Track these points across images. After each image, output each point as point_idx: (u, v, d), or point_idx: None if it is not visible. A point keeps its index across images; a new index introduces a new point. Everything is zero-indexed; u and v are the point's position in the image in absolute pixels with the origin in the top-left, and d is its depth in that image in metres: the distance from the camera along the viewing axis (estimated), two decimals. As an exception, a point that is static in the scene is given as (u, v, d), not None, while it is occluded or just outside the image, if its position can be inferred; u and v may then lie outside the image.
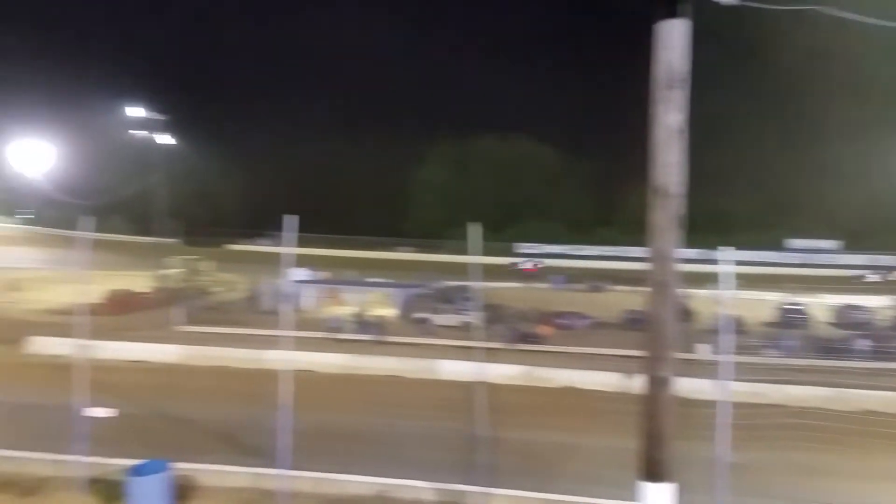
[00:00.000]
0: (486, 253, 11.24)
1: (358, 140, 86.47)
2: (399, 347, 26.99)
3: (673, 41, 6.10)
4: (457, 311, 32.08)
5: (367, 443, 14.74)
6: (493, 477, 11.69)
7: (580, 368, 23.10)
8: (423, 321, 30.76)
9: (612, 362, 24.13)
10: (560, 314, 33.53)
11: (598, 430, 16.66)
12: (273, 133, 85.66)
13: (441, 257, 68.06)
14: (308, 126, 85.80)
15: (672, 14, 6.06)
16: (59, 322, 29.05)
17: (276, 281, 37.38)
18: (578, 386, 22.01)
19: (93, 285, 20.91)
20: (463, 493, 11.68)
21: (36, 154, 71.04)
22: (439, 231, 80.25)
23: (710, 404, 9.65)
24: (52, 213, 70.47)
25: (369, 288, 39.99)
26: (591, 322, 33.36)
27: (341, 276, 45.74)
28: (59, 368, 21.48)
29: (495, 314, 31.17)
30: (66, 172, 69.83)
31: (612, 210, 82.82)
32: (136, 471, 10.88)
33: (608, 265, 65.60)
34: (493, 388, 14.74)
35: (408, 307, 35.32)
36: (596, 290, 50.30)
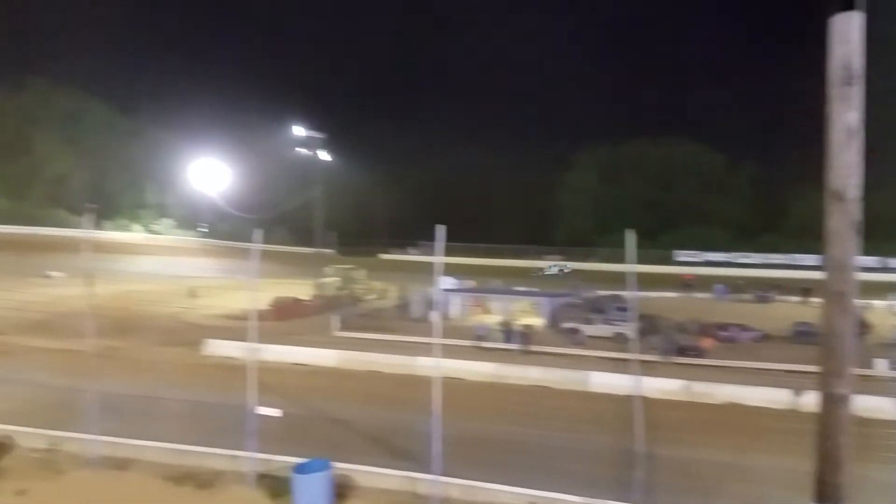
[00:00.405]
0: (640, 261, 10.80)
1: (507, 147, 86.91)
2: (547, 357, 26.65)
3: (849, 35, 5.62)
4: (609, 322, 31.24)
5: (516, 453, 14.63)
6: (651, 495, 11.20)
7: (744, 384, 21.66)
8: (572, 331, 30.20)
9: (779, 378, 22.47)
10: (722, 326, 31.67)
11: (763, 449, 15.53)
12: (422, 144, 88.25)
13: (591, 265, 66.86)
14: (456, 136, 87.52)
15: (848, 6, 5.58)
16: (231, 326, 31.54)
17: (425, 289, 38.39)
18: (742, 402, 20.64)
19: (260, 293, 22.42)
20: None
21: (212, 173, 77.93)
22: (589, 239, 78.89)
23: (889, 424, 8.68)
24: (225, 226, 76.60)
25: (516, 297, 39.92)
26: (756, 335, 31.24)
27: (488, 284, 46.05)
28: (231, 369, 23.31)
29: (651, 325, 30.00)
30: (237, 189, 75.98)
31: (777, 215, 77.51)
32: (301, 468, 11.48)
33: (773, 273, 61.25)
34: (648, 403, 14.14)
35: (556, 317, 34.87)
36: (761, 300, 47.09)
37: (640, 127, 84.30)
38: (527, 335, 28.83)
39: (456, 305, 37.55)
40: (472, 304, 38.81)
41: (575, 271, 64.98)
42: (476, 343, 28.65)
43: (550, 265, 71.42)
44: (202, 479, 12.40)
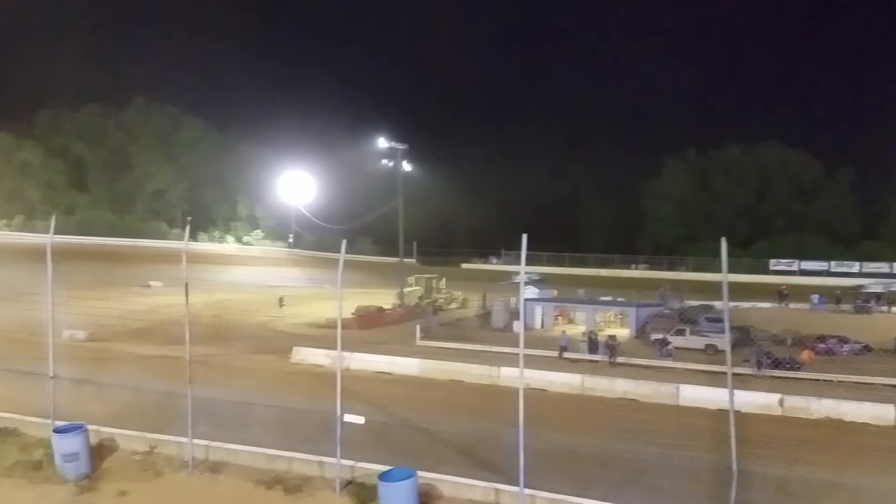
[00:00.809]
0: (732, 270, 10.32)
1: (592, 154, 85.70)
2: (634, 370, 25.96)
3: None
4: (700, 333, 30.18)
5: (604, 467, 14.25)
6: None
7: (844, 398, 20.44)
8: (661, 343, 29.31)
9: (882, 392, 21.12)
10: (821, 338, 30.02)
11: (865, 468, 14.60)
12: (505, 152, 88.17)
13: (680, 275, 64.86)
14: (540, 143, 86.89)
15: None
16: (317, 334, 32.30)
17: (507, 299, 38.17)
18: (842, 418, 19.48)
19: (345, 302, 22.81)
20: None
21: (299, 185, 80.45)
22: (677, 247, 76.61)
23: None
24: (312, 236, 78.73)
25: (602, 307, 39.14)
26: (856, 347, 29.44)
27: (572, 294, 45.36)
28: (318, 376, 23.85)
29: (744, 337, 28.77)
30: (323, 200, 78.13)
31: (878, 222, 73.15)
32: (385, 476, 11.58)
33: (874, 282, 57.61)
34: (742, 418, 13.53)
35: (644, 327, 33.96)
36: (861, 310, 44.39)
37: (731, 132, 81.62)
38: (612, 346, 28.18)
39: (540, 315, 37.13)
40: (555, 313, 38.31)
41: (661, 281, 63.14)
42: (560, 354, 28.23)
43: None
44: (291, 484, 12.67)
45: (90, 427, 13.51)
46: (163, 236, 73.35)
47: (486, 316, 39.40)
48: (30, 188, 75.37)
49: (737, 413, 11.29)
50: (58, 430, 13.10)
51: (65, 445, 12.88)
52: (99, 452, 13.61)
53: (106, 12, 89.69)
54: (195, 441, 13.45)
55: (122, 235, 70.00)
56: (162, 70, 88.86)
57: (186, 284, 13.59)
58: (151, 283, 47.20)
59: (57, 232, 15.12)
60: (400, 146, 46.91)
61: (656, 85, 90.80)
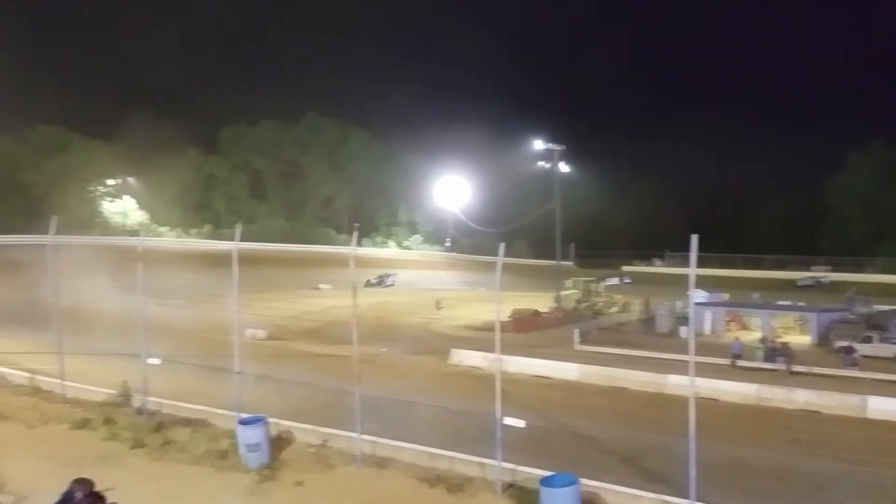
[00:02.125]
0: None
1: (764, 149, 79.98)
2: (815, 379, 23.85)
3: None
4: (889, 341, 27.22)
5: (781, 482, 13.17)
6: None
7: None
8: (845, 350, 26.69)
9: None
10: None
11: None
12: (666, 149, 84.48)
13: (866, 277, 58.94)
14: (706, 138, 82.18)
15: None
16: (474, 337, 32.68)
17: (672, 303, 36.50)
18: None
19: (501, 305, 22.84)
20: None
21: (456, 190, 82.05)
22: (863, 247, 69.64)
23: None
24: (468, 240, 79.94)
25: (778, 311, 36.36)
26: None
27: (745, 298, 42.53)
28: (476, 378, 24.08)
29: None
30: (479, 204, 79.07)
31: None
32: (547, 482, 11.39)
33: None
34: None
35: (825, 334, 31.12)
36: None
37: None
38: (790, 354, 26.08)
39: (708, 320, 35.15)
40: (726, 318, 36.11)
41: (838, 283, 57.49)
42: (732, 361, 26.56)
43: (807, 276, 63.85)
44: (453, 484, 12.82)
45: (270, 420, 14.49)
46: (330, 242, 77.68)
47: (649, 320, 37.94)
48: (216, 199, 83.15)
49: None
50: (242, 422, 14.17)
51: (248, 436, 13.90)
52: (277, 444, 14.55)
53: (278, 36, 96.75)
54: (363, 436, 14.01)
55: (294, 242, 74.97)
56: (330, 85, 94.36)
57: (354, 287, 14.22)
58: (321, 285, 50.04)
59: (240, 239, 16.38)
60: (557, 147, 46.42)
61: (835, 73, 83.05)
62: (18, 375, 18.69)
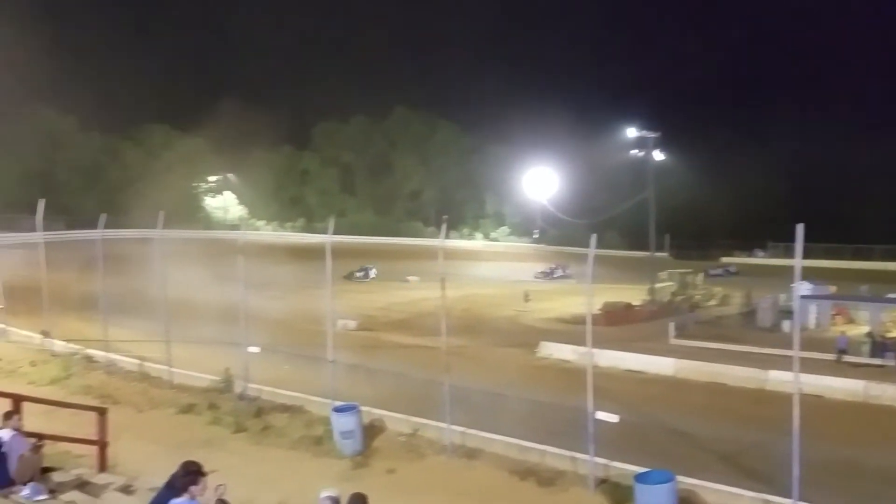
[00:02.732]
0: None
1: (875, 132, 74.80)
2: (933, 377, 22.23)
3: None
4: None
5: (891, 484, 12.31)
6: None
7: None
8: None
9: None
10: None
11: None
12: (767, 135, 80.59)
13: None
14: (809, 122, 77.65)
15: None
16: (563, 330, 32.26)
17: (774, 295, 34.84)
18: None
19: (592, 297, 22.41)
20: None
21: (544, 180, 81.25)
22: None
23: None
24: (557, 231, 78.97)
25: (887, 305, 34.10)
26: None
27: (852, 291, 40.10)
28: (565, 372, 23.77)
29: None
30: (568, 194, 77.96)
31: None
32: (643, 478, 11.12)
33: None
34: None
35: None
36: None
37: None
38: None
39: (814, 314, 33.35)
40: (832, 312, 34.16)
41: None
42: (838, 357, 25.15)
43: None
44: (544, 477, 12.71)
45: (362, 408, 14.82)
46: (418, 235, 78.59)
47: (750, 314, 36.39)
48: (309, 194, 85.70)
49: None
50: (336, 410, 14.56)
51: (342, 423, 14.27)
52: (370, 432, 14.85)
53: (368, 32, 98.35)
54: (453, 427, 14.11)
55: (383, 235, 76.30)
56: (419, 79, 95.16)
57: (443, 279, 14.32)
58: (409, 277, 50.71)
59: (328, 233, 16.79)
60: (651, 134, 45.07)
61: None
62: (129, 362, 19.87)
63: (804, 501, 10.42)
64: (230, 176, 79.73)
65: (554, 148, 77.46)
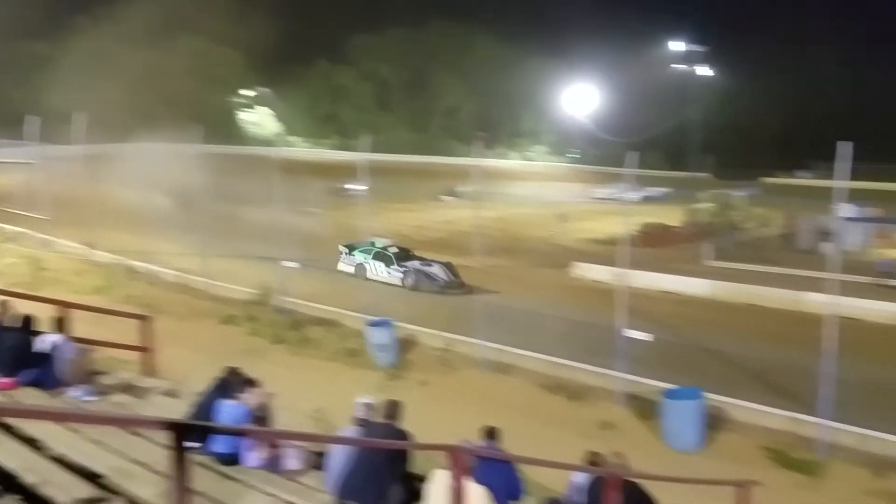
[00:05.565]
0: None
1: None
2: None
3: None
4: None
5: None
6: None
7: None
8: None
9: None
10: None
11: None
12: (814, 52, 76.60)
13: None
14: (864, 37, 73.50)
15: None
16: (599, 251, 32.08)
17: (817, 217, 34.00)
18: None
19: (630, 218, 22.14)
20: None
21: (584, 97, 78.99)
22: None
23: None
24: (597, 151, 77.41)
25: (935, 228, 33.13)
26: None
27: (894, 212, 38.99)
28: (600, 292, 23.65)
29: None
30: (609, 112, 75.77)
31: None
32: (671, 394, 11.30)
33: None
34: None
35: None
36: None
37: None
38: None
39: (855, 236, 32.56)
40: (875, 234, 33.33)
41: None
42: (880, 280, 24.68)
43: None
44: (573, 391, 13.00)
45: (397, 323, 15.14)
46: (454, 153, 77.76)
47: (790, 236, 35.74)
48: (343, 110, 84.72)
49: None
50: (371, 324, 14.92)
51: (377, 337, 14.66)
52: (404, 346, 15.24)
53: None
54: (486, 343, 14.38)
55: (419, 153, 75.68)
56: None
57: (475, 198, 14.25)
58: (444, 197, 50.57)
59: (365, 151, 16.75)
60: (697, 48, 43.26)
61: None
62: (170, 274, 20.46)
63: (831, 420, 10.51)
64: (264, 90, 79.19)
65: (596, 62, 74.69)
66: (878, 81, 70.93)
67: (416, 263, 22.42)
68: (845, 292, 11.81)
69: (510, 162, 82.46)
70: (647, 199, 51.02)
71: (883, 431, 10.74)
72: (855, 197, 36.87)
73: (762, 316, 21.02)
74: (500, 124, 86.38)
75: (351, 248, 24.01)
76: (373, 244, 23.52)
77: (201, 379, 7.74)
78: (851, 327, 11.53)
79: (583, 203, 53.91)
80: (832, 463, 10.38)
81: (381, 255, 23.12)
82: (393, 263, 22.63)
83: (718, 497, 6.45)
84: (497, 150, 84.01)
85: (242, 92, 79.51)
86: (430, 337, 15.91)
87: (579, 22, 74.35)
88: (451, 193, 49.43)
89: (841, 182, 10.77)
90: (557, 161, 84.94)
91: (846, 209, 34.38)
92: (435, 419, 6.99)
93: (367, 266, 23.16)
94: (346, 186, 39.83)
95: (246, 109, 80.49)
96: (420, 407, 7.27)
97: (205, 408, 7.01)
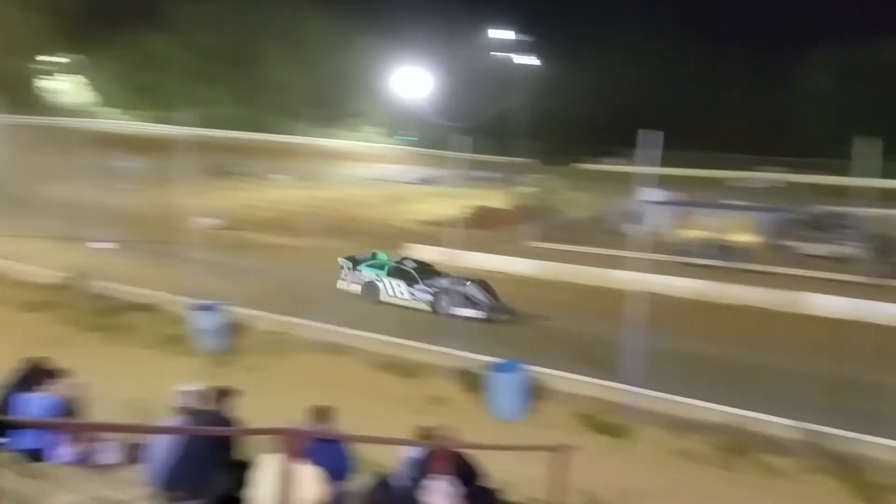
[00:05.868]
0: (887, 175, 9.41)
1: (723, 48, 78.86)
2: (759, 277, 24.81)
3: None
4: (833, 241, 28.37)
5: (722, 372, 13.81)
6: (868, 424, 10.34)
7: None
8: (789, 249, 27.78)
9: None
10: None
11: None
12: (629, 46, 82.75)
13: (819, 179, 60.08)
14: (667, 36, 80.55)
15: None
16: (431, 232, 32.79)
17: (625, 201, 37.05)
18: None
19: (460, 201, 22.93)
20: (827, 435, 10.52)
21: (416, 80, 79.78)
22: (823, 150, 70.53)
23: None
24: (428, 133, 78.64)
25: (728, 211, 37.34)
26: None
27: (697, 196, 43.44)
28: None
29: (886, 246, 26.67)
30: (440, 96, 77.20)
31: None
32: (496, 367, 11.95)
33: None
34: (879, 331, 12.74)
35: (773, 233, 32.25)
36: None
37: (890, 24, 72.35)
38: (737, 252, 27.02)
39: (660, 218, 35.93)
40: (678, 217, 37.00)
41: (797, 185, 58.75)
42: (681, 258, 27.41)
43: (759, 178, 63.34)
44: (407, 369, 13.34)
45: (226, 307, 14.58)
46: (284, 131, 75.54)
47: (602, 219, 38.66)
48: (162, 80, 78.88)
49: (872, 325, 10.66)
50: (197, 308, 14.24)
51: (203, 322, 14.03)
52: (234, 331, 14.72)
53: None
54: (319, 325, 14.31)
55: (246, 129, 72.69)
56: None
57: (306, 178, 14.02)
58: (273, 175, 49.17)
59: (187, 125, 15.88)
60: (525, 38, 45.22)
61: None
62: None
63: (638, 387, 11.62)
64: (78, 57, 72.11)
65: (428, 47, 75.87)
66: (692, 73, 78.05)
67: (444, 282, 18.94)
68: (651, 270, 12.94)
69: (343, 142, 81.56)
70: (426, 181, 53.37)
71: (684, 396, 11.97)
72: (665, 183, 40.72)
73: (577, 292, 22.65)
74: (332, 103, 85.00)
75: (355, 263, 20.05)
76: (375, 255, 20.45)
77: (2, 373, 7.04)
78: (658, 302, 12.70)
79: (416, 185, 54.77)
80: (640, 426, 11.43)
81: (399, 272, 19.47)
82: (417, 282, 18.97)
83: (538, 461, 6.92)
84: (329, 129, 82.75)
85: (47, 59, 71.73)
86: (262, 320, 15.51)
87: (414, 5, 75.06)
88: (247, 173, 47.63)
89: (643, 168, 11.84)
90: (391, 143, 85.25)
91: (651, 193, 38.00)
92: (266, 404, 6.86)
93: (379, 285, 19.39)
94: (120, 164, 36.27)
95: (50, 77, 72.79)
96: (251, 392, 7.11)
97: (3, 402, 6.44)
